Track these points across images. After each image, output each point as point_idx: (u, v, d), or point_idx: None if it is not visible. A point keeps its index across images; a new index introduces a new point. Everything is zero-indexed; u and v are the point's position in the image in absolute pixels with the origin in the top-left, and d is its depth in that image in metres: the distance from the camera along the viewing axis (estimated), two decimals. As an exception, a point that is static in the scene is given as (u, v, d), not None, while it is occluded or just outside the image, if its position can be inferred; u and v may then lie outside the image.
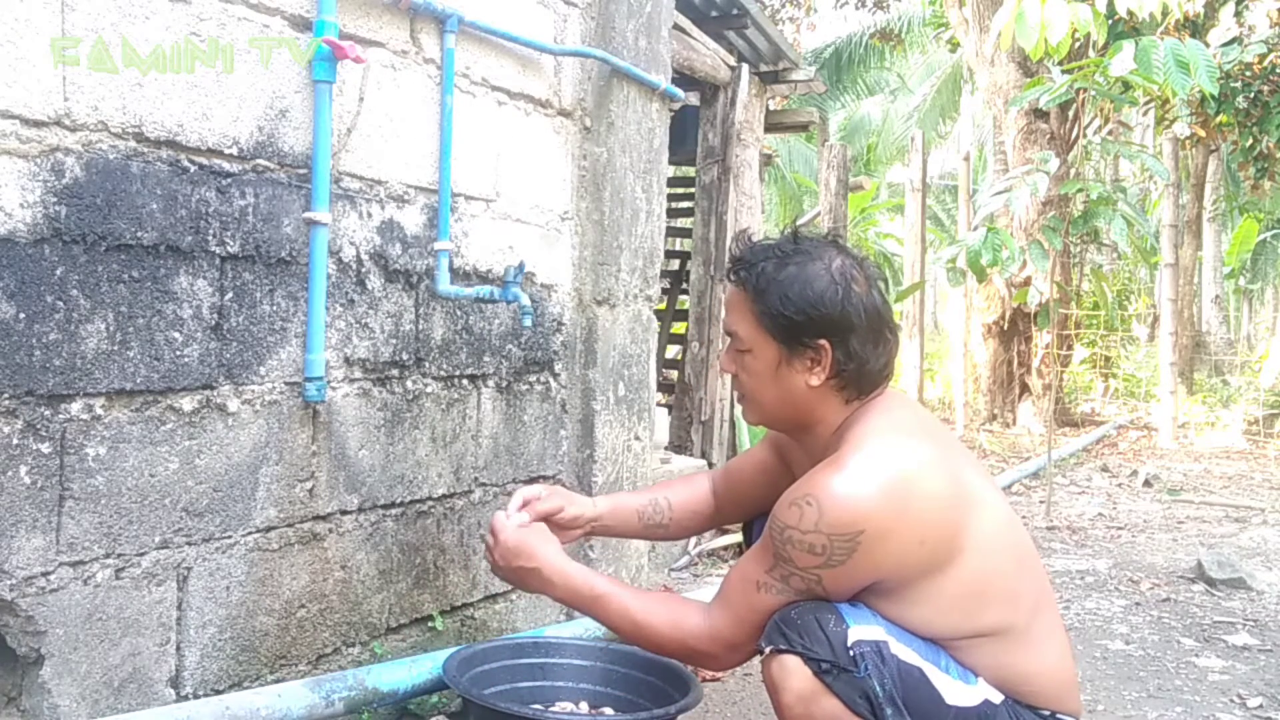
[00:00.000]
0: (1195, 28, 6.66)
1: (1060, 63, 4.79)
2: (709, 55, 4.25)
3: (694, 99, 4.53)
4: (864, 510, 1.44)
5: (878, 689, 1.44)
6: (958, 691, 1.50)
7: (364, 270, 2.16)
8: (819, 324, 1.55)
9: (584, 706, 2.06)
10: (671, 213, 5.91)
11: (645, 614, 1.68)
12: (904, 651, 1.48)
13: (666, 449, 4.47)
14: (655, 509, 2.04)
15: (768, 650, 1.51)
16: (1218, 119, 7.56)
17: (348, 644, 2.17)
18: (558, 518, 1.94)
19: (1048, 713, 1.56)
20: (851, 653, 1.45)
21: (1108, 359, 10.55)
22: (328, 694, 1.88)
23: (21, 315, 1.56)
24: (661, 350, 5.35)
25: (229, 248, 1.87)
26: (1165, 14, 5.12)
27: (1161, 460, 7.46)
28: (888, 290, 1.68)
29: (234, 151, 1.87)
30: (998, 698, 1.52)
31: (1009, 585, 1.55)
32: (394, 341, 2.24)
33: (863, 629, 1.48)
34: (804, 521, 1.46)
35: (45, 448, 1.60)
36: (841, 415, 1.61)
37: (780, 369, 1.60)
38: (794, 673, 1.47)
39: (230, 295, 1.88)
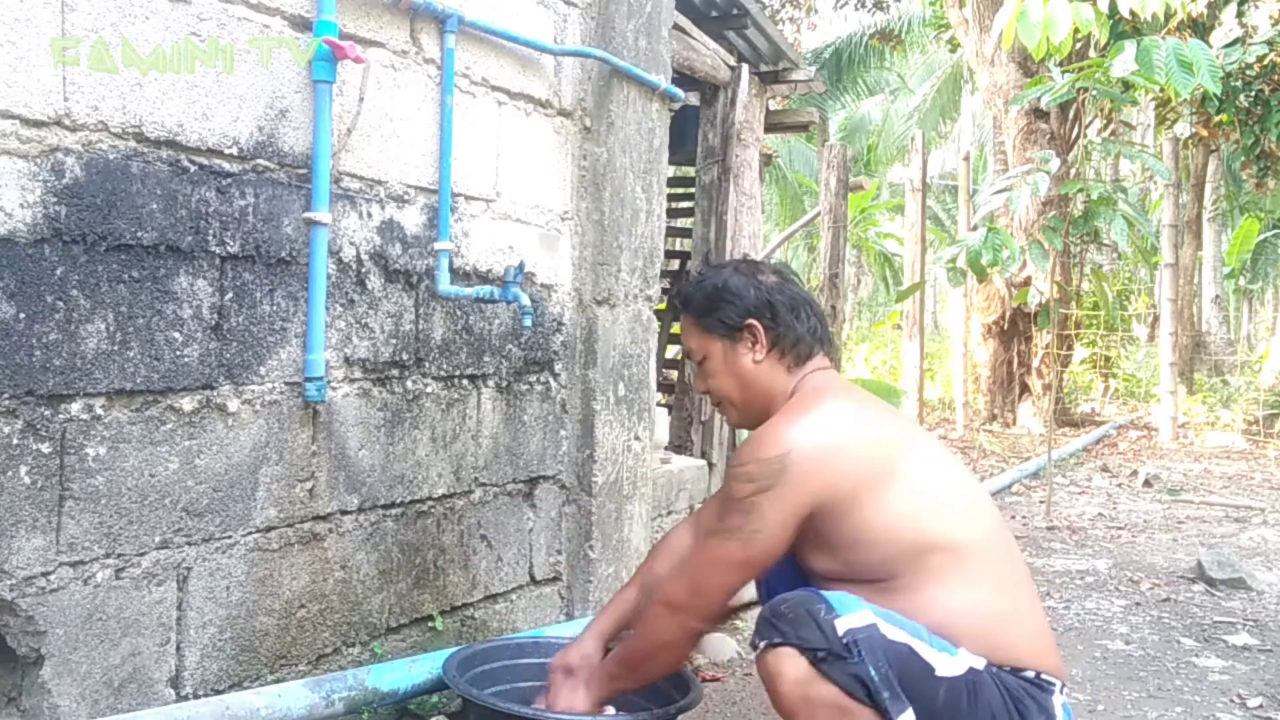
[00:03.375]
0: (1199, 28, 6.64)
1: (1061, 63, 4.79)
2: (709, 55, 4.25)
3: (694, 99, 4.52)
4: (789, 434, 1.66)
5: (873, 674, 1.49)
6: (945, 663, 1.54)
7: (364, 270, 2.16)
8: (740, 308, 1.85)
9: (584, 706, 2.06)
10: (671, 213, 5.90)
11: (632, 642, 1.83)
12: (892, 631, 1.54)
13: (666, 449, 4.46)
14: (645, 596, 1.99)
15: (762, 646, 1.56)
16: (1219, 118, 7.55)
17: (348, 644, 2.17)
18: (567, 664, 1.94)
19: (1031, 674, 1.59)
20: (844, 640, 1.50)
21: (1108, 359, 10.55)
22: (328, 694, 1.88)
23: (21, 315, 1.56)
24: (661, 350, 5.35)
25: (229, 248, 1.87)
26: (1169, 16, 5.11)
27: (1161, 460, 7.46)
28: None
29: (234, 151, 1.87)
30: (980, 663, 1.56)
31: (955, 509, 1.66)
32: (394, 341, 2.24)
33: (852, 617, 1.53)
34: (740, 456, 1.68)
35: (45, 448, 1.60)
36: (789, 384, 1.84)
37: (729, 357, 1.86)
38: (789, 660, 1.52)
39: (230, 295, 1.88)
